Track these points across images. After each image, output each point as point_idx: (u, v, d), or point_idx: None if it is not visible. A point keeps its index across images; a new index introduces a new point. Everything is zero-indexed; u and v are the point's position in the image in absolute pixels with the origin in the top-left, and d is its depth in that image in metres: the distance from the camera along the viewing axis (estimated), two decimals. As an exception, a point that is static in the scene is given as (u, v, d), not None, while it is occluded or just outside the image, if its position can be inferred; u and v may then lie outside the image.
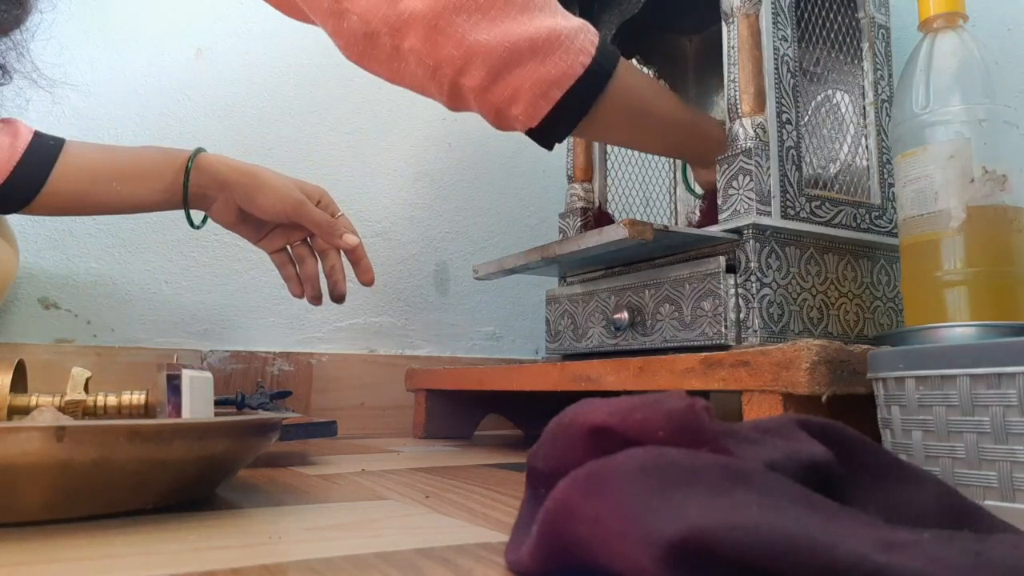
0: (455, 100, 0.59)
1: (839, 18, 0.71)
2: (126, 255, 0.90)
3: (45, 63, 0.68)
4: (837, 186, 0.69)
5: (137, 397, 0.54)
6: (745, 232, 0.60)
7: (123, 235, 0.90)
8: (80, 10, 0.90)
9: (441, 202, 1.10)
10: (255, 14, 1.00)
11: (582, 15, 0.85)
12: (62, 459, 0.34)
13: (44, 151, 0.64)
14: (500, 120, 0.59)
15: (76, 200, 0.65)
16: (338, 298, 0.73)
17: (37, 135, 0.64)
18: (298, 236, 0.73)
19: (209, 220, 0.72)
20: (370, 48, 0.57)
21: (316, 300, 0.74)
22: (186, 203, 0.68)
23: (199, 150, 0.68)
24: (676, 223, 0.92)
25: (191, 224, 0.71)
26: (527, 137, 0.60)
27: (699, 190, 0.84)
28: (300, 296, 0.74)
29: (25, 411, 0.52)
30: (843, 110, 0.72)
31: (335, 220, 0.71)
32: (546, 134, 0.59)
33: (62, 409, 0.52)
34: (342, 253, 0.73)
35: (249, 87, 0.98)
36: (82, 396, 0.53)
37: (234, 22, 0.99)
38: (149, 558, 0.30)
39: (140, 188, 0.67)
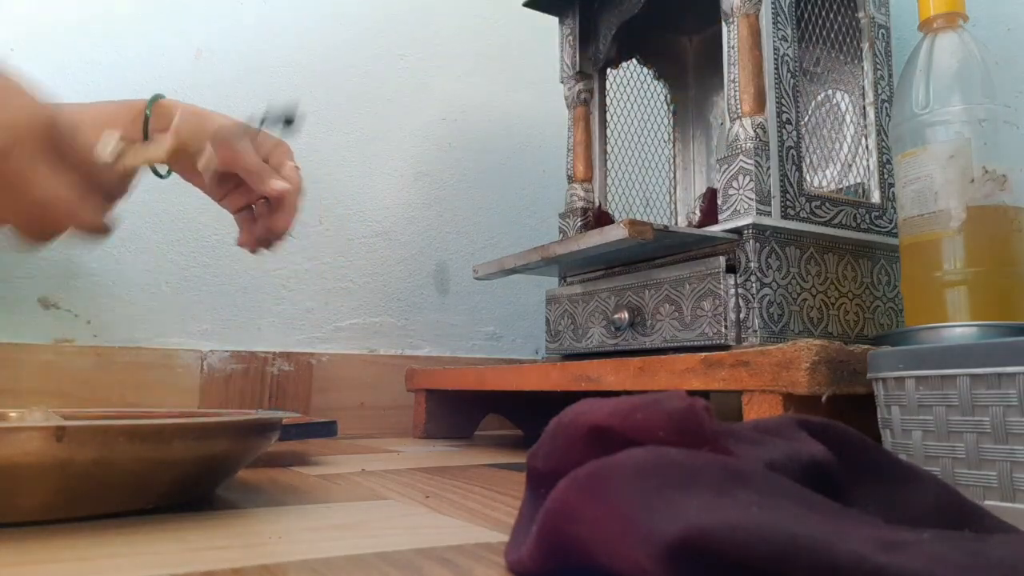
0: None
1: (839, 18, 0.71)
2: (126, 255, 0.90)
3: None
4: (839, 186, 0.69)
5: (155, 150, 0.55)
6: (745, 232, 0.60)
7: (123, 235, 0.90)
8: (80, 11, 0.90)
9: (441, 202, 1.10)
10: (255, 14, 1.00)
11: (582, 15, 0.85)
12: (62, 459, 0.34)
13: None
14: None
15: None
16: (274, 238, 0.66)
17: None
18: (257, 195, 0.68)
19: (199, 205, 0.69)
20: None
21: (250, 245, 0.68)
22: None
23: (157, 96, 0.66)
24: (676, 223, 0.92)
25: (156, 174, 0.67)
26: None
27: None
28: (244, 245, 0.69)
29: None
30: (843, 110, 0.72)
31: (264, 166, 0.65)
32: None
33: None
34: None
35: (249, 87, 0.98)
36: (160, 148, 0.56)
37: (234, 22, 0.99)
38: (149, 558, 0.29)
39: (98, 136, 0.65)
